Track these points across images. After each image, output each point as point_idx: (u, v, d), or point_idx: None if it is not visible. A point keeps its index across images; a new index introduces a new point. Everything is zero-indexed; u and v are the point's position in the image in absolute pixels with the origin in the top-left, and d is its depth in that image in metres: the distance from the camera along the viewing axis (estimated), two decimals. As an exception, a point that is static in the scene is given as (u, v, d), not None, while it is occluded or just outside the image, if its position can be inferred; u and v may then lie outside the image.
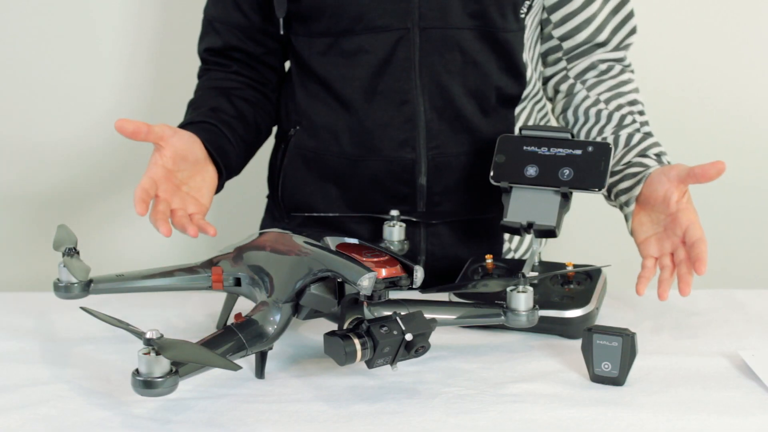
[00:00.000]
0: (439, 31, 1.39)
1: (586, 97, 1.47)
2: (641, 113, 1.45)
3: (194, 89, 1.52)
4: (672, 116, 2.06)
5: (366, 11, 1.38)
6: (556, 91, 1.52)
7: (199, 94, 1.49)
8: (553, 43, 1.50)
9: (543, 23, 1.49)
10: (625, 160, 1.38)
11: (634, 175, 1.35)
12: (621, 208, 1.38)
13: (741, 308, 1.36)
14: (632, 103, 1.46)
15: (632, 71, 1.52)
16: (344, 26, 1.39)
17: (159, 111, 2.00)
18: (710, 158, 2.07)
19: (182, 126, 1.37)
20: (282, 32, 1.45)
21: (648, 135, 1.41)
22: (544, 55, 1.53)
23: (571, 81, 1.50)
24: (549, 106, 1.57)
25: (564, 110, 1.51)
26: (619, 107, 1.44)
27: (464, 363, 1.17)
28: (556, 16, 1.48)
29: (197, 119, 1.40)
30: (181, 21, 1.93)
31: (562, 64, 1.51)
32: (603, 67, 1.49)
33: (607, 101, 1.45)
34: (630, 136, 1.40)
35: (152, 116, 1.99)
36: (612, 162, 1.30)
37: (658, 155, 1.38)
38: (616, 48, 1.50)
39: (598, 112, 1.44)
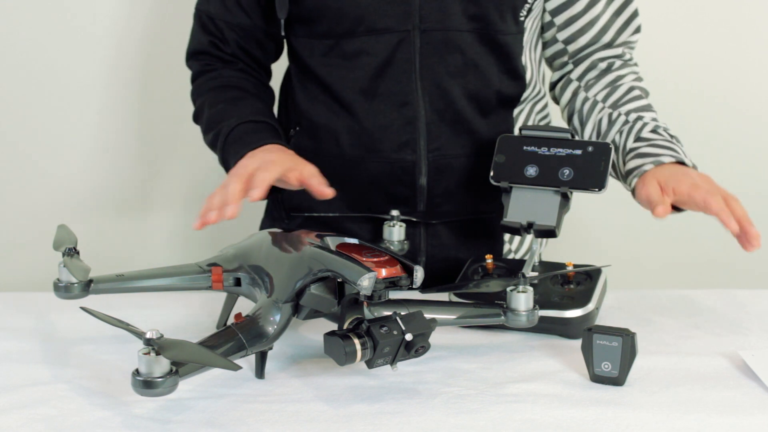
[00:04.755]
0: (439, 34, 1.38)
1: (586, 99, 1.47)
2: (638, 98, 1.44)
3: (206, 83, 1.48)
4: (676, 115, 2.05)
5: (367, 14, 1.38)
6: (563, 95, 1.52)
7: (232, 90, 1.46)
8: (559, 46, 1.49)
9: (547, 26, 1.48)
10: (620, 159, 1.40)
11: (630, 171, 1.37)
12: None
13: (741, 308, 1.36)
14: (629, 90, 1.45)
15: (634, 63, 1.51)
16: (345, 28, 1.39)
17: (155, 109, 2.00)
18: (712, 157, 2.08)
19: (249, 122, 1.38)
20: (283, 34, 1.45)
21: (636, 121, 1.40)
22: (550, 60, 1.52)
23: (574, 84, 1.50)
24: (549, 107, 1.57)
25: (570, 116, 1.50)
26: (616, 103, 1.44)
27: (464, 363, 1.17)
28: (559, 19, 1.47)
29: (263, 119, 1.40)
30: (171, 19, 1.93)
31: (569, 67, 1.51)
32: (603, 65, 1.48)
33: (605, 99, 1.45)
34: (619, 133, 1.40)
35: (148, 114, 2.00)
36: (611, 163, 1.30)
37: (638, 138, 1.39)
38: (619, 46, 1.49)
39: (597, 117, 1.44)
